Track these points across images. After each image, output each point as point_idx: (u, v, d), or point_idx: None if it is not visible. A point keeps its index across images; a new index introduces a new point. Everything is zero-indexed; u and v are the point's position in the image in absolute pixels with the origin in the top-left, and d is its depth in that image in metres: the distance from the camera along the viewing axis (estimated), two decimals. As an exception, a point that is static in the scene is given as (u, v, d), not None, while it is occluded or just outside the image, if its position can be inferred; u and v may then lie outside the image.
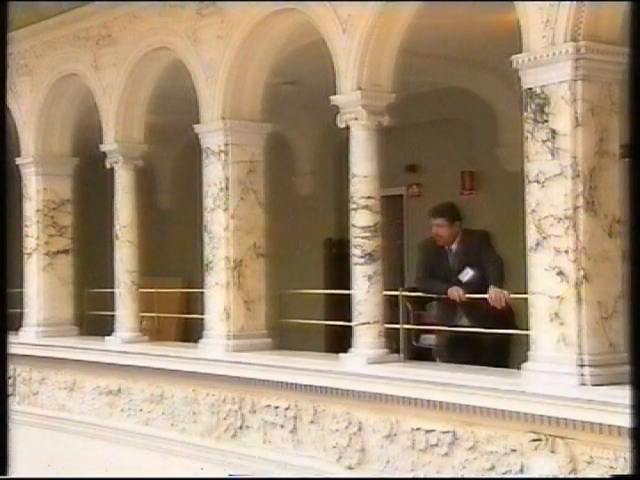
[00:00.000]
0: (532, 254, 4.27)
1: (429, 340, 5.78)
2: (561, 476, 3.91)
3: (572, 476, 3.85)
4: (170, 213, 10.43)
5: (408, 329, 5.42)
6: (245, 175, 5.91)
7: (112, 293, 6.78)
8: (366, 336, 5.09)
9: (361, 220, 5.11)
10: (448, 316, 5.36)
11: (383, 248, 5.08)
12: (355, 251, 5.13)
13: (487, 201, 7.81)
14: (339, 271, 6.65)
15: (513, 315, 5.15)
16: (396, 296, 5.31)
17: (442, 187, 8.05)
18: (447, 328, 5.30)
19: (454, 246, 5.45)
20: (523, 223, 4.32)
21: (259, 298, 5.92)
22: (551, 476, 3.96)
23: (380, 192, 5.16)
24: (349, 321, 5.16)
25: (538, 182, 4.23)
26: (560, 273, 4.16)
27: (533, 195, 4.26)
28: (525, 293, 4.32)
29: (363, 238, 5.08)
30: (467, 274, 5.31)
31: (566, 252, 4.13)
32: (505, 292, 5.00)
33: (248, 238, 5.89)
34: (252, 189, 5.93)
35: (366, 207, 5.10)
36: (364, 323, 5.08)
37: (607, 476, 3.47)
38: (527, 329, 4.30)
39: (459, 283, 5.27)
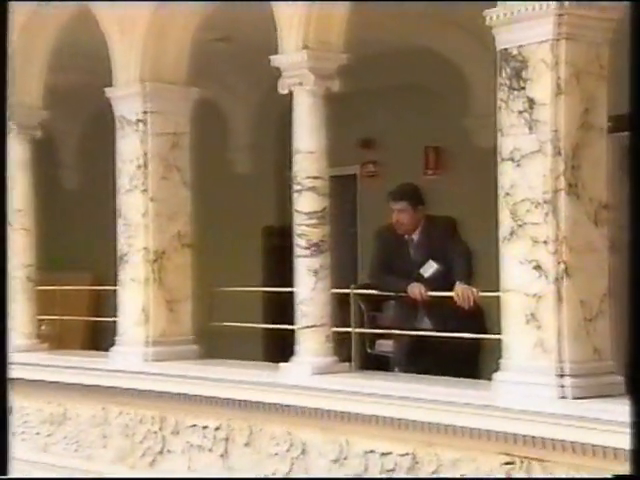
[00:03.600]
0: (505, 245, 4.31)
1: (385, 346, 5.84)
2: (561, 476, 3.97)
3: (572, 476, 3.92)
4: (76, 194, 10.32)
5: (361, 333, 5.47)
6: (168, 150, 5.92)
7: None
8: (311, 342, 5.13)
9: (306, 204, 5.14)
10: (408, 318, 5.42)
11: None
12: (299, 241, 5.15)
13: (454, 182, 7.90)
14: (280, 265, 6.70)
15: (483, 316, 5.23)
16: (347, 294, 5.35)
17: (403, 165, 8.09)
18: (407, 332, 5.35)
19: (416, 235, 5.50)
20: (495, 208, 4.36)
21: (184, 297, 5.95)
22: (550, 476, 4.03)
23: (329, 171, 5.21)
24: (292, 324, 5.20)
25: (513, 160, 4.26)
26: (537, 267, 4.19)
27: (507, 175, 4.30)
28: (497, 291, 4.37)
29: (308, 226, 5.12)
30: (430, 268, 5.36)
31: (545, 242, 4.17)
32: (474, 289, 5.05)
33: (171, 225, 5.90)
34: (176, 166, 5.94)
35: (312, 189, 5.14)
36: (309, 326, 5.12)
37: (608, 476, 3.52)
38: (499, 333, 4.37)
39: (421, 279, 5.33)
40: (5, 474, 2.68)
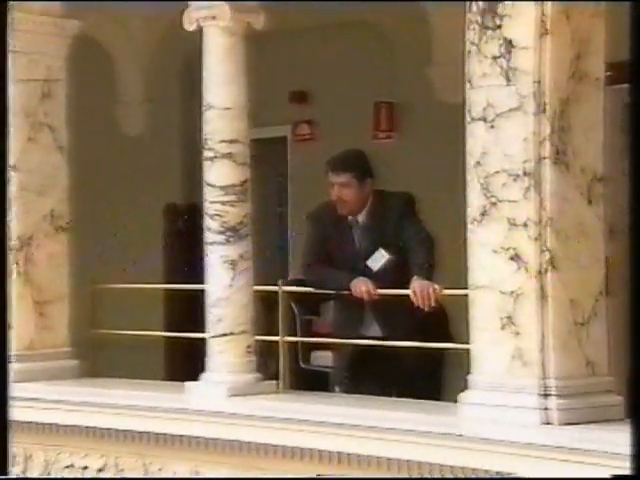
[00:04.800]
0: (475, 229, 4.36)
1: (323, 359, 5.92)
2: (561, 476, 4.01)
3: (571, 476, 3.95)
4: None
5: (292, 343, 5.54)
6: (37, 102, 5.87)
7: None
8: (227, 354, 5.15)
9: (221, 176, 5.16)
10: (352, 323, 5.48)
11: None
12: (211, 224, 5.16)
13: (412, 149, 7.93)
14: (187, 254, 6.64)
15: (447, 320, 5.34)
16: (274, 293, 5.38)
17: (346, 127, 8.08)
18: (350, 341, 5.39)
19: (362, 216, 5.55)
20: (463, 182, 4.39)
21: (59, 297, 5.92)
22: (550, 476, 4.09)
23: (250, 134, 5.22)
24: (202, 331, 5.22)
25: (485, 120, 4.30)
26: (516, 257, 4.23)
27: (478, 140, 4.33)
28: (465, 288, 4.43)
29: (224, 204, 5.13)
30: (381, 259, 5.42)
31: (525, 225, 4.21)
32: (436, 286, 5.12)
33: (41, 202, 5.88)
34: (48, 125, 5.90)
35: (228, 156, 5.15)
36: (224, 334, 5.13)
37: (607, 476, 3.62)
38: (467, 341, 4.43)
39: (368, 272, 5.38)
40: (5, 474, 3.32)
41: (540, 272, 4.19)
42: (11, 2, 2.98)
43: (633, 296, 2.86)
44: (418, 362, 5.19)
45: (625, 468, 3.39)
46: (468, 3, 4.32)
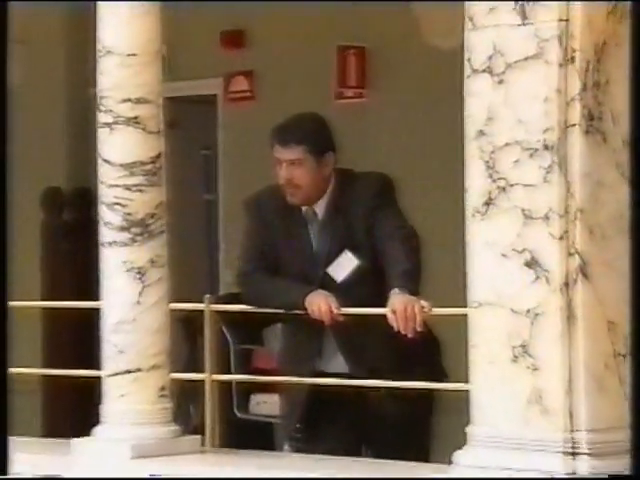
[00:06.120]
0: (477, 224, 4.37)
1: (268, 405, 6.00)
2: (560, 476, 4.14)
3: (571, 476, 4.10)
4: None
5: (224, 382, 5.56)
6: None
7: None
8: (132, 399, 5.14)
9: (123, 150, 5.17)
10: (307, 354, 5.48)
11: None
12: (110, 216, 5.16)
13: (390, 113, 7.92)
14: (75, 259, 6.55)
15: (438, 350, 5.42)
16: (200, 313, 5.44)
17: (298, 81, 8.15)
18: (305, 379, 5.38)
19: (321, 207, 5.58)
20: (459, 159, 4.41)
21: None
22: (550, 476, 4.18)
23: (166, 90, 5.26)
24: (96, 367, 5.25)
25: (492, 73, 4.30)
26: (533, 262, 4.24)
27: (482, 100, 4.33)
28: (463, 305, 4.45)
29: (128, 188, 5.14)
30: (347, 265, 5.45)
31: (545, 219, 4.22)
32: (422, 303, 5.14)
33: None
34: None
35: (134, 122, 5.16)
36: (128, 371, 5.13)
37: (605, 476, 3.86)
38: (465, 380, 4.45)
39: (330, 284, 5.42)
40: (5, 474, 4.27)
41: (567, 283, 4.20)
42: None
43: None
44: (399, 408, 5.22)
45: None
46: None
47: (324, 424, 5.45)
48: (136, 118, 5.15)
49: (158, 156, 5.17)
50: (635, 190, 4.26)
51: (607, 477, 3.86)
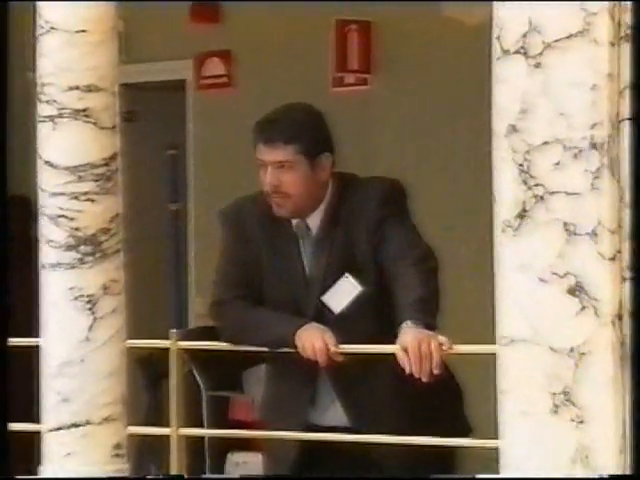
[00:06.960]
0: (508, 241, 4.18)
1: (248, 465, 5.87)
2: (560, 476, 4.12)
3: (570, 476, 4.08)
4: None
5: (194, 438, 5.63)
6: None
7: None
8: (79, 458, 5.00)
9: (69, 149, 5.06)
10: (297, 403, 5.47)
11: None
12: (53, 231, 5.05)
13: (399, 102, 7.92)
14: (9, 284, 6.60)
15: (460, 397, 5.46)
16: (165, 351, 5.49)
17: (286, 63, 8.25)
18: (294, 434, 5.32)
19: (315, 220, 5.54)
20: (487, 162, 4.22)
21: None
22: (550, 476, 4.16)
23: (124, 74, 5.20)
24: (35, 420, 5.13)
25: (527, 55, 4.12)
26: (578, 289, 4.07)
27: (514, 88, 4.14)
28: (491, 342, 4.33)
29: (76, 197, 5.03)
30: (348, 292, 5.44)
31: (593, 235, 4.05)
32: (441, 339, 5.10)
33: None
34: None
35: (83, 114, 5.02)
36: (74, 425, 4.99)
37: (605, 476, 3.92)
38: (494, 434, 4.30)
39: (326, 315, 5.41)
40: (5, 474, 4.69)
41: (619, 316, 4.05)
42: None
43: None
44: (411, 470, 5.14)
45: None
46: None
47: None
48: (85, 110, 4.98)
49: (113, 157, 5.01)
50: None
51: (610, 477, 3.93)
